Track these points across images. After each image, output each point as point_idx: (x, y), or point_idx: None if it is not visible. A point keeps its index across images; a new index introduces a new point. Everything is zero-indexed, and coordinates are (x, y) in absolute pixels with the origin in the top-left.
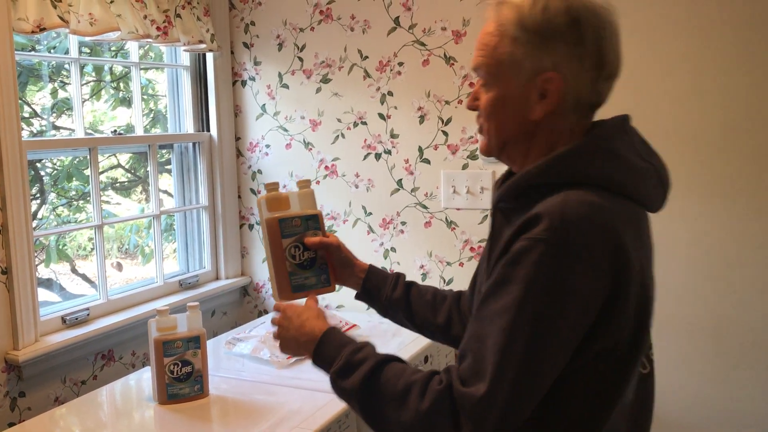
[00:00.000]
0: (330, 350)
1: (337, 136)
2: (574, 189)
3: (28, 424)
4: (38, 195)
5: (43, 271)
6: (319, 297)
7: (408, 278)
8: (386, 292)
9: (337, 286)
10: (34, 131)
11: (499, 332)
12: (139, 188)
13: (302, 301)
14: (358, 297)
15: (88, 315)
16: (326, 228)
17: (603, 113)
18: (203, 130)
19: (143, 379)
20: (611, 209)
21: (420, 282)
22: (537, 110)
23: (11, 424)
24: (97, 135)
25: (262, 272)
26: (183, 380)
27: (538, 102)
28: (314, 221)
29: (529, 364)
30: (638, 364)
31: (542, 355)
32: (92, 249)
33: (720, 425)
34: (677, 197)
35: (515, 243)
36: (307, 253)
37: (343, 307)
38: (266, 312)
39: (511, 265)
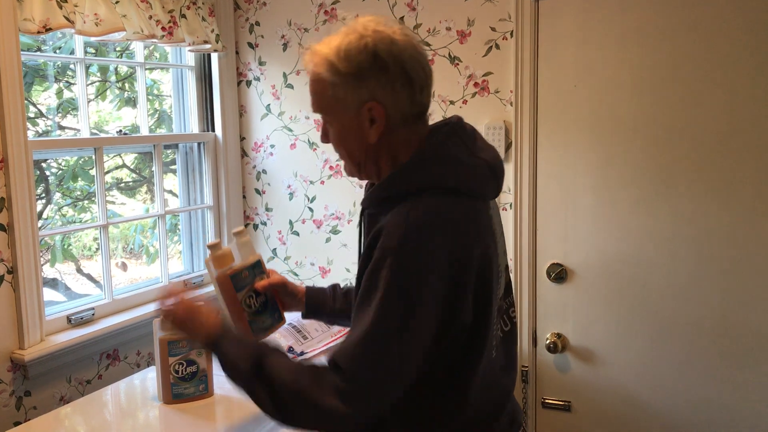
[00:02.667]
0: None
1: None
2: (418, 196)
3: (33, 423)
4: (43, 195)
5: (48, 271)
6: None
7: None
8: (330, 305)
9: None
10: (40, 131)
11: (366, 325)
12: (144, 188)
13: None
14: (305, 316)
15: (93, 315)
16: (332, 227)
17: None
18: (208, 130)
19: (148, 379)
20: (448, 210)
21: None
22: (372, 134)
23: (17, 423)
24: (103, 135)
25: None
26: (188, 380)
27: (370, 128)
28: (258, 267)
29: (386, 356)
30: (490, 330)
31: (401, 346)
32: (97, 249)
33: (725, 426)
34: (680, 198)
35: (373, 253)
36: (260, 298)
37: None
38: None
39: (373, 273)
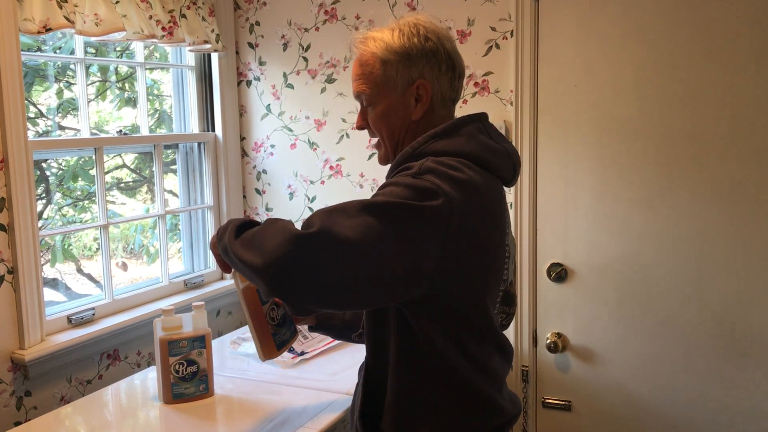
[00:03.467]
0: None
1: (342, 136)
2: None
3: (34, 423)
4: (44, 195)
5: (48, 271)
6: None
7: None
8: (339, 317)
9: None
10: (40, 131)
11: (351, 206)
12: (144, 188)
13: None
14: (314, 329)
15: (93, 315)
16: None
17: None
18: (208, 130)
19: (148, 379)
20: (463, 171)
21: None
22: (417, 111)
23: (17, 423)
24: (103, 135)
25: None
26: (188, 380)
27: (415, 105)
28: None
29: (352, 242)
30: (491, 308)
31: (367, 244)
32: (97, 249)
33: (725, 426)
34: (681, 197)
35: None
36: (279, 311)
37: None
38: None
39: (382, 187)
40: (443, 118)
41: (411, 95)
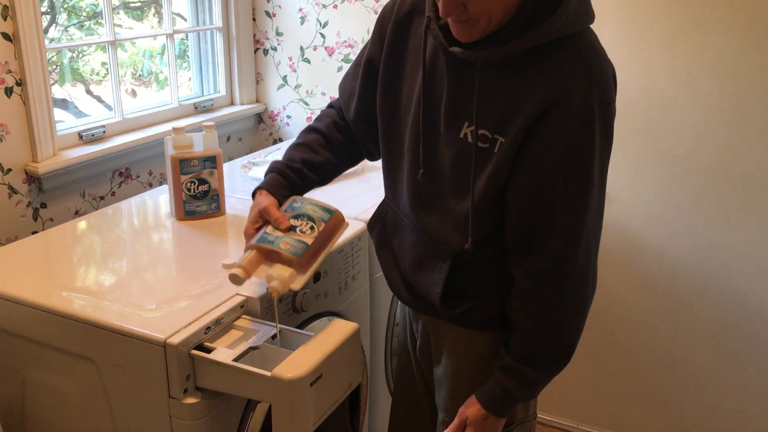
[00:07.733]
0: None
1: None
2: (572, 40)
3: (50, 232)
4: (49, 11)
5: (57, 92)
6: None
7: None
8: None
9: None
10: None
11: (582, 224)
12: (152, 11)
13: None
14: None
15: (104, 132)
16: (344, 56)
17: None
18: None
19: (160, 197)
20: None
21: None
22: None
23: (34, 232)
24: None
25: (276, 100)
26: (200, 198)
27: None
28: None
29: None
30: None
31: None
32: (106, 74)
33: (725, 266)
34: (708, 35)
35: (542, 125)
36: (301, 221)
37: None
38: (281, 140)
39: (576, 159)
40: None
41: None
